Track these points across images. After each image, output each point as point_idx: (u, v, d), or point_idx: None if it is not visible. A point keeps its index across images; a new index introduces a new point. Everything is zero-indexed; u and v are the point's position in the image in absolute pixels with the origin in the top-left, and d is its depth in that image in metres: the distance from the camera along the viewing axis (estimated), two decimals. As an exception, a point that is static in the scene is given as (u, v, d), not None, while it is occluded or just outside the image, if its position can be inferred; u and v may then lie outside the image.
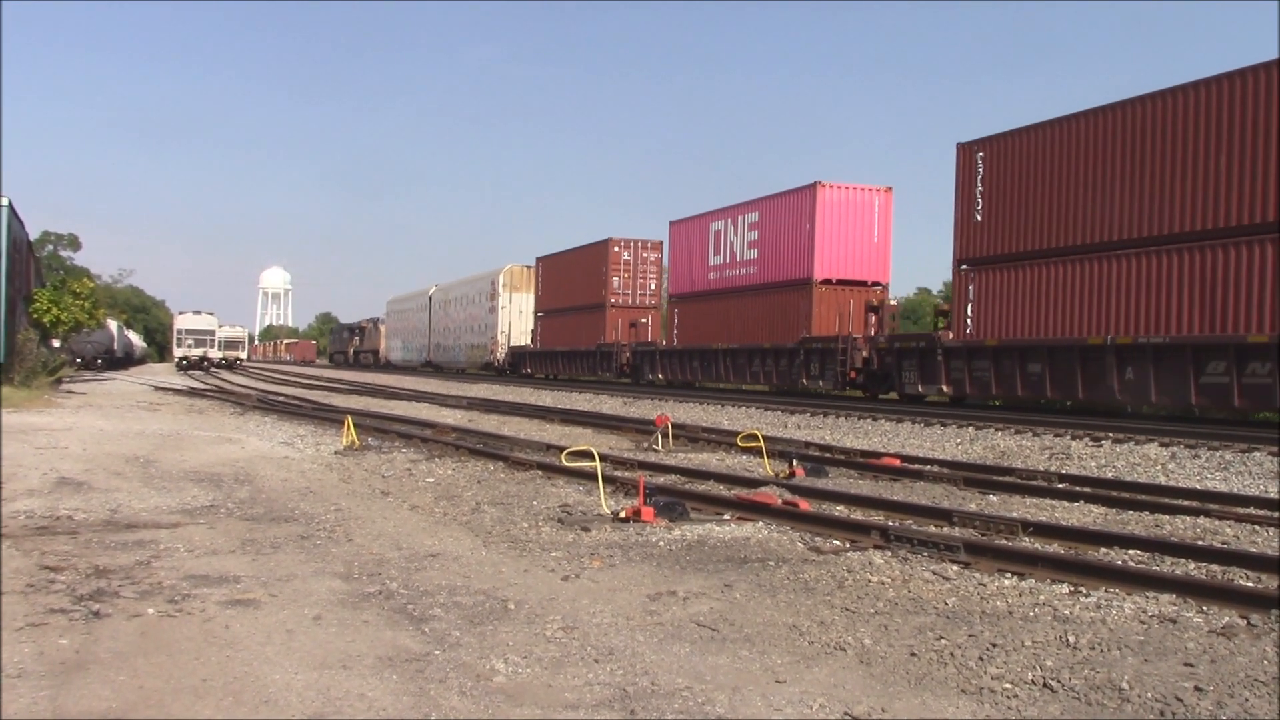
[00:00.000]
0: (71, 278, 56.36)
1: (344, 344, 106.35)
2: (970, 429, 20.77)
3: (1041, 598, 7.03)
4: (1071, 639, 5.95)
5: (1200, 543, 9.26)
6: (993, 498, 12.22)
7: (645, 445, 18.18)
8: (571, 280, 50.11)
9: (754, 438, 16.14)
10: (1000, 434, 19.87)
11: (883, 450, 17.19)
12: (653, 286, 46.18)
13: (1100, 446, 17.68)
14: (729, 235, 38.08)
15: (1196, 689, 5.14)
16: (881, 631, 6.16)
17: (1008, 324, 25.66)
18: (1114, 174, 23.13)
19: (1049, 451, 17.45)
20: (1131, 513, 11.13)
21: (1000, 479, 13.36)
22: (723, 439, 18.44)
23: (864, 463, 15.11)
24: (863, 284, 33.23)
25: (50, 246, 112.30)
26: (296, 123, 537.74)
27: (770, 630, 6.17)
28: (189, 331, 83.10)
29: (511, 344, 57.88)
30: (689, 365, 40.40)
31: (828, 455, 16.19)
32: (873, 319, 31.79)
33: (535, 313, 55.57)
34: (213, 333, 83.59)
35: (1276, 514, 10.75)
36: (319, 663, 5.38)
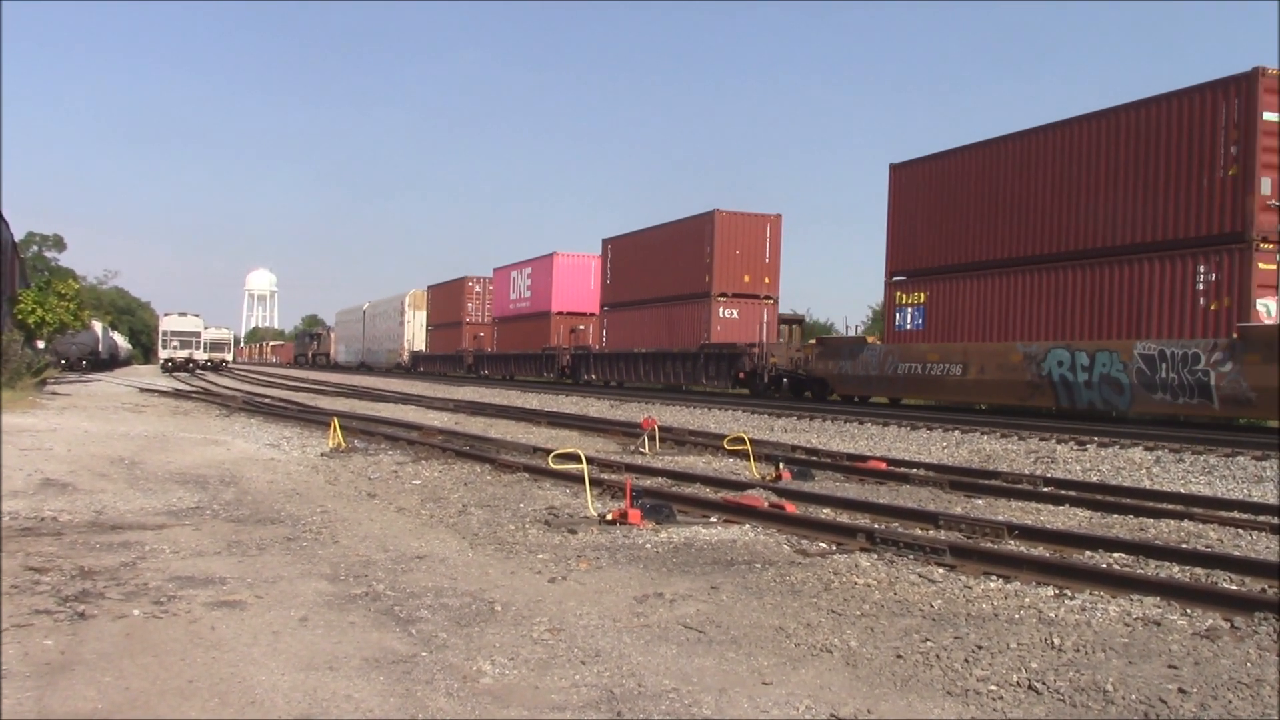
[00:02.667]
0: (56, 279, 56.08)
1: (305, 347, 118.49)
2: (956, 433, 20.83)
3: (1027, 600, 7.05)
4: (1056, 641, 5.98)
5: (1184, 546, 9.29)
6: (978, 501, 12.25)
7: (632, 448, 18.19)
8: (445, 304, 69.35)
9: (741, 441, 16.16)
10: (986, 438, 19.93)
11: (869, 453, 17.21)
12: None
13: (1085, 450, 17.75)
14: (519, 281, 57.03)
15: (1180, 691, 5.17)
16: (867, 634, 6.17)
17: (617, 341, 45.30)
18: (646, 262, 42.79)
19: (1034, 455, 17.50)
20: (1116, 516, 11.17)
21: (986, 482, 13.39)
22: (709, 442, 18.45)
23: (850, 466, 15.12)
24: (582, 314, 50.88)
25: (35, 247, 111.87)
26: (284, 125, 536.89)
27: (756, 632, 6.18)
28: (174, 333, 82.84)
29: (413, 349, 75.27)
30: (504, 365, 59.12)
31: (814, 458, 16.21)
32: (572, 334, 50.51)
33: (427, 326, 73.29)
34: (198, 334, 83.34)
35: (1260, 517, 10.80)
36: (305, 664, 5.37)
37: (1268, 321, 20.34)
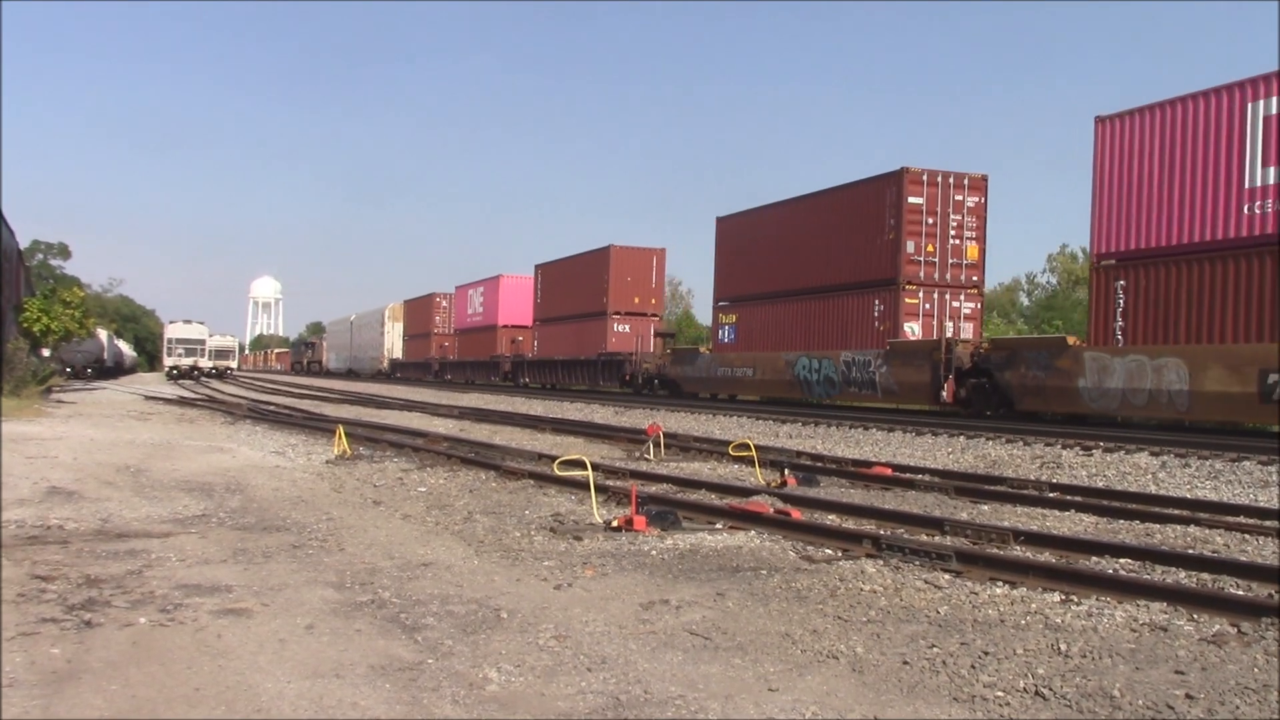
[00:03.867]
0: (61, 286, 56.19)
1: (301, 355, 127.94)
2: (961, 438, 20.81)
3: (1033, 606, 7.04)
4: (1063, 647, 5.97)
5: (1190, 551, 9.28)
6: (984, 507, 12.23)
7: (637, 455, 18.18)
8: (418, 316, 79.21)
9: (746, 447, 16.16)
10: (991, 443, 19.91)
11: (874, 459, 17.21)
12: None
13: (1091, 456, 17.73)
14: (474, 297, 66.79)
15: (1188, 696, 5.16)
16: (874, 640, 6.17)
17: (544, 350, 54.95)
18: (565, 284, 52.20)
19: (1040, 461, 17.48)
20: (1122, 522, 11.16)
21: (992, 488, 13.38)
22: (715, 448, 18.44)
23: (856, 472, 15.12)
24: (522, 326, 59.14)
25: (40, 255, 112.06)
26: (288, 131, 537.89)
27: (763, 639, 6.18)
28: (179, 341, 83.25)
29: (392, 357, 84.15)
30: (462, 370, 68.36)
31: (820, 464, 16.20)
32: (513, 344, 59.67)
33: (404, 336, 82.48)
34: (203, 342, 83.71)
35: (1266, 523, 10.78)
36: (312, 672, 5.38)
37: (910, 338, 29.80)
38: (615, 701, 5.02)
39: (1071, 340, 25.36)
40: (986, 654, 5.84)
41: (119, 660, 5.50)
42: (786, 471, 14.24)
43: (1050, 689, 5.24)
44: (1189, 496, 13.27)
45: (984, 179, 30.59)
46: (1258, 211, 20.86)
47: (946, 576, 7.92)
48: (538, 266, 56.87)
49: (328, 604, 6.87)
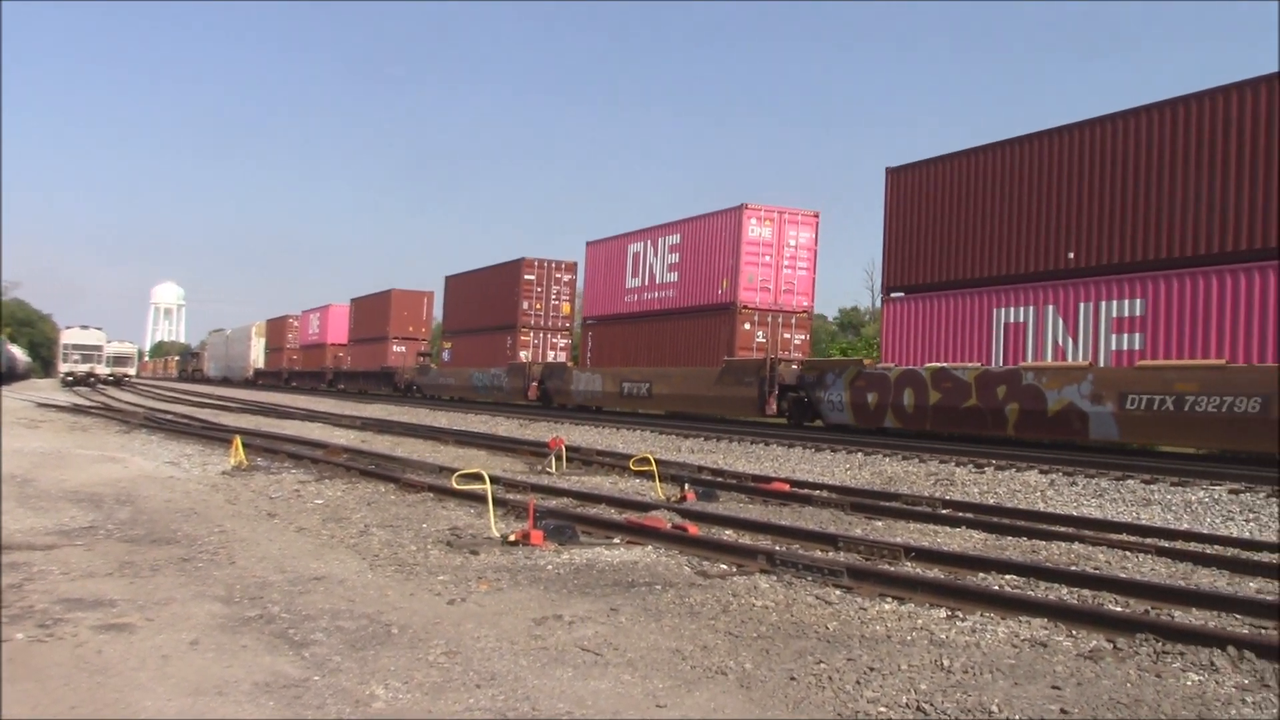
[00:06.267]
0: (-50, 289, 54.39)
1: (187, 363, 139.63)
2: (859, 455, 21.13)
3: (919, 622, 7.18)
4: (946, 662, 6.10)
5: (1073, 568, 9.52)
6: (878, 523, 12.44)
7: (539, 468, 18.15)
8: (276, 333, 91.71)
9: (646, 461, 16.22)
10: (888, 460, 20.25)
11: (773, 475, 17.38)
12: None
13: (983, 473, 18.11)
14: (313, 320, 79.67)
15: (1063, 711, 5.31)
16: (763, 655, 6.24)
17: (354, 363, 69.16)
18: (367, 315, 68.93)
19: (934, 478, 17.82)
20: (1010, 538, 11.42)
21: (886, 504, 13.60)
22: (617, 462, 18.49)
23: (754, 487, 15.25)
24: (344, 344, 72.81)
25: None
26: (190, 134, 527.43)
27: (653, 654, 6.22)
28: (75, 347, 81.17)
29: (257, 367, 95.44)
30: (303, 379, 79.65)
31: (719, 479, 16.32)
32: (335, 359, 72.97)
33: (266, 349, 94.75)
34: (100, 348, 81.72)
35: (1147, 540, 11.12)
36: (193, 689, 5.28)
37: (521, 360, 46.61)
38: (502, 719, 5.02)
39: (570, 364, 45.63)
40: (872, 670, 5.94)
41: (-8, 678, 5.35)
42: (686, 486, 14.32)
43: (931, 704, 5.35)
44: (1075, 514, 13.62)
45: (574, 264, 48.32)
46: (627, 300, 40.53)
47: (837, 592, 8.04)
48: (352, 300, 73.12)
49: (214, 619, 6.75)
